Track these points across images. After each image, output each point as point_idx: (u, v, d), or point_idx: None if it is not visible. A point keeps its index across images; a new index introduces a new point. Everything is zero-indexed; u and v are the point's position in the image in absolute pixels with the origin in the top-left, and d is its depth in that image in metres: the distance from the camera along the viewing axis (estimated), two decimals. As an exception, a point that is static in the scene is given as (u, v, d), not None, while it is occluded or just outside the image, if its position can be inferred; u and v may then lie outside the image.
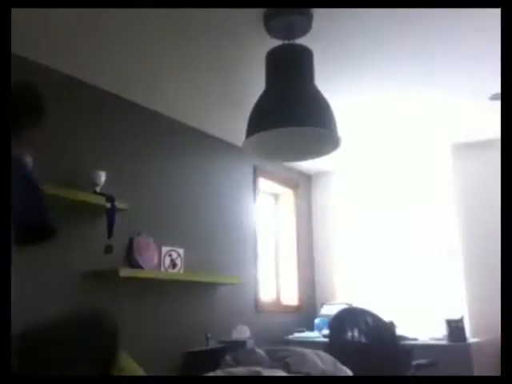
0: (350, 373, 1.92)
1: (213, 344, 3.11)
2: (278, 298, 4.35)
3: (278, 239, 4.53)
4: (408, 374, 2.69)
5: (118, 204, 2.74)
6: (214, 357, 2.41)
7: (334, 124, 2.19)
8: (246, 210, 3.98)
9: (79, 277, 2.62)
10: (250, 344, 3.14)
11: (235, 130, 3.62)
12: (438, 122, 3.60)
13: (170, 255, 3.17)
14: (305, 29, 2.28)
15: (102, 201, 2.69)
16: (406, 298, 4.02)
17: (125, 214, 2.83)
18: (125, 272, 2.73)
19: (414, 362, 2.77)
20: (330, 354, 2.13)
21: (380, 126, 3.66)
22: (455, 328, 3.33)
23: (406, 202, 4.23)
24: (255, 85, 2.79)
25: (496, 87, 3.03)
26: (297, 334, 3.99)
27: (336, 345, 2.88)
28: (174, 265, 3.17)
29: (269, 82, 2.27)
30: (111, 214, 2.66)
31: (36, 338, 1.60)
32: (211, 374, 1.62)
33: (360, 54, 2.61)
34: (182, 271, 3.20)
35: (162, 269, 3.10)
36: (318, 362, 1.87)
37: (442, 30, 2.40)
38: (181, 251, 3.23)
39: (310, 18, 2.23)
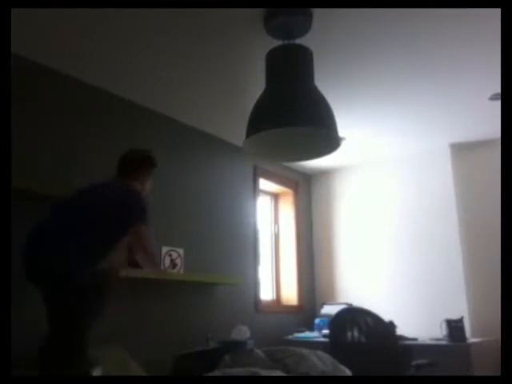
0: (349, 373, 1.92)
1: (213, 344, 3.11)
2: (278, 298, 4.35)
3: (277, 239, 4.53)
4: (408, 373, 2.68)
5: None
6: (212, 357, 2.41)
7: (334, 124, 2.19)
8: (246, 210, 3.97)
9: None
10: (250, 344, 3.13)
11: (235, 130, 3.62)
12: (437, 121, 3.59)
13: (170, 255, 3.17)
14: (305, 29, 2.28)
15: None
16: (406, 298, 4.02)
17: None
18: (125, 272, 2.73)
19: (414, 362, 2.76)
20: (330, 354, 2.13)
21: (380, 125, 3.66)
22: (455, 328, 3.33)
23: (406, 201, 4.23)
24: (255, 85, 2.80)
25: (496, 87, 3.03)
26: (297, 334, 3.99)
27: (336, 345, 2.88)
28: (174, 265, 3.17)
29: (269, 81, 2.27)
30: None
31: None
32: (209, 374, 1.62)
33: (359, 54, 2.61)
34: (182, 271, 3.21)
35: (162, 269, 3.09)
36: (317, 362, 1.87)
37: (442, 30, 2.40)
38: (181, 251, 3.23)
39: (309, 18, 2.23)
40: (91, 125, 2.88)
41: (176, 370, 2.56)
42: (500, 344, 3.29)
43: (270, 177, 4.32)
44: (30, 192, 2.37)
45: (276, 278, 4.41)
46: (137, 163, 2.28)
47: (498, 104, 3.25)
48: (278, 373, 1.65)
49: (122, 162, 2.28)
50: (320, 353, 2.01)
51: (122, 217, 2.05)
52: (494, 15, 2.24)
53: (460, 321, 3.36)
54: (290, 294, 4.35)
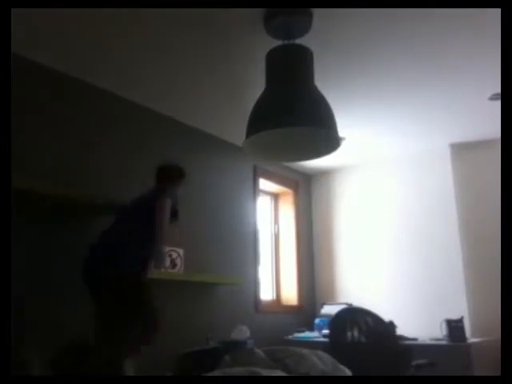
0: (349, 373, 1.92)
1: (213, 344, 3.11)
2: (278, 298, 4.35)
3: (277, 239, 4.53)
4: (408, 373, 2.68)
5: (118, 203, 2.73)
6: (212, 357, 2.41)
7: (334, 124, 2.19)
8: (246, 210, 3.97)
9: (79, 276, 2.62)
10: (250, 344, 3.14)
11: (235, 130, 3.62)
12: (437, 121, 3.60)
13: (170, 255, 3.17)
14: (305, 29, 2.28)
15: (101, 201, 2.68)
16: (406, 298, 4.02)
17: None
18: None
19: (414, 362, 2.76)
20: (330, 354, 2.13)
21: (380, 125, 3.66)
22: (455, 328, 3.33)
23: (406, 201, 4.23)
24: (255, 85, 2.80)
25: (496, 87, 3.03)
26: (297, 334, 3.99)
27: (336, 345, 2.88)
28: (174, 265, 3.17)
29: (269, 81, 2.27)
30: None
31: None
32: (209, 374, 1.62)
33: (359, 53, 2.61)
34: (182, 271, 3.20)
35: (162, 269, 3.09)
36: (317, 362, 1.87)
37: (442, 30, 2.40)
38: (181, 251, 3.23)
39: (309, 18, 2.23)
40: (92, 125, 2.88)
41: (177, 370, 2.56)
42: (500, 344, 3.29)
43: (270, 177, 4.32)
44: (31, 192, 2.37)
45: (276, 278, 4.41)
46: (168, 174, 2.67)
47: (498, 104, 3.25)
48: (279, 372, 1.65)
49: (157, 173, 2.68)
50: (320, 353, 2.01)
51: (150, 214, 2.40)
52: (493, 15, 2.24)
53: (460, 321, 3.36)
54: (290, 294, 4.35)
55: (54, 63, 2.67)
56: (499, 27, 2.34)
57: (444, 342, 3.34)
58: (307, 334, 3.97)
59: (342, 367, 1.94)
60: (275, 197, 4.67)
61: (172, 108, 3.29)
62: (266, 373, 1.61)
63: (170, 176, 2.66)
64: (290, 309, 4.25)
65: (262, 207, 4.39)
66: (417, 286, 4.00)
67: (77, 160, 2.75)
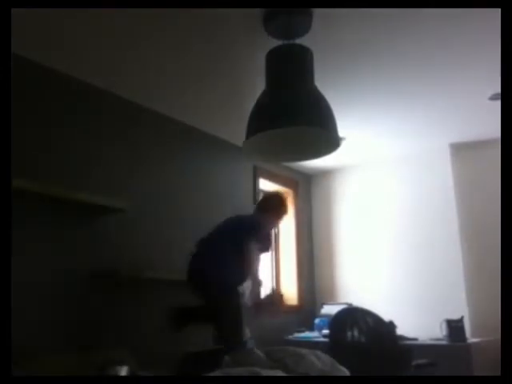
0: (347, 373, 1.92)
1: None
2: (278, 298, 4.35)
3: (277, 239, 4.53)
4: (408, 374, 2.68)
5: (117, 203, 2.73)
6: (213, 357, 2.41)
7: (334, 124, 2.19)
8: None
9: (79, 276, 2.62)
10: (250, 344, 3.13)
11: (235, 130, 3.62)
12: (437, 121, 3.60)
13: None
14: (304, 29, 2.28)
15: (101, 201, 2.68)
16: (406, 298, 4.02)
17: (124, 214, 2.83)
18: (125, 272, 2.73)
19: (414, 362, 2.77)
20: (330, 354, 2.13)
21: (380, 125, 3.66)
22: (455, 328, 3.33)
23: (406, 202, 4.23)
24: (255, 85, 2.80)
25: (496, 87, 3.03)
26: (297, 334, 3.99)
27: (336, 345, 2.88)
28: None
29: (269, 81, 2.27)
30: None
31: None
32: (210, 374, 1.63)
33: (359, 53, 2.61)
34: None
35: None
36: (316, 361, 1.87)
37: (442, 30, 2.40)
38: (181, 251, 3.23)
39: (309, 18, 2.23)
40: (92, 125, 2.88)
41: (177, 370, 2.57)
42: (500, 344, 3.29)
43: (270, 177, 4.32)
44: (31, 192, 2.37)
45: (276, 278, 4.41)
46: (269, 202, 2.93)
47: (498, 104, 3.25)
48: (279, 372, 1.65)
49: (260, 200, 3.00)
50: (319, 353, 2.01)
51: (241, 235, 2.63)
52: (494, 15, 2.24)
53: (460, 321, 3.36)
54: (290, 294, 4.35)
55: (54, 63, 2.67)
56: (499, 27, 2.34)
57: (444, 342, 3.35)
58: (307, 334, 3.97)
59: (340, 367, 1.94)
60: (275, 197, 4.66)
61: (172, 108, 3.29)
62: (265, 373, 1.61)
63: (270, 203, 2.90)
64: (290, 309, 4.25)
65: (262, 207, 4.38)
66: (417, 286, 4.00)
67: (77, 160, 2.76)
